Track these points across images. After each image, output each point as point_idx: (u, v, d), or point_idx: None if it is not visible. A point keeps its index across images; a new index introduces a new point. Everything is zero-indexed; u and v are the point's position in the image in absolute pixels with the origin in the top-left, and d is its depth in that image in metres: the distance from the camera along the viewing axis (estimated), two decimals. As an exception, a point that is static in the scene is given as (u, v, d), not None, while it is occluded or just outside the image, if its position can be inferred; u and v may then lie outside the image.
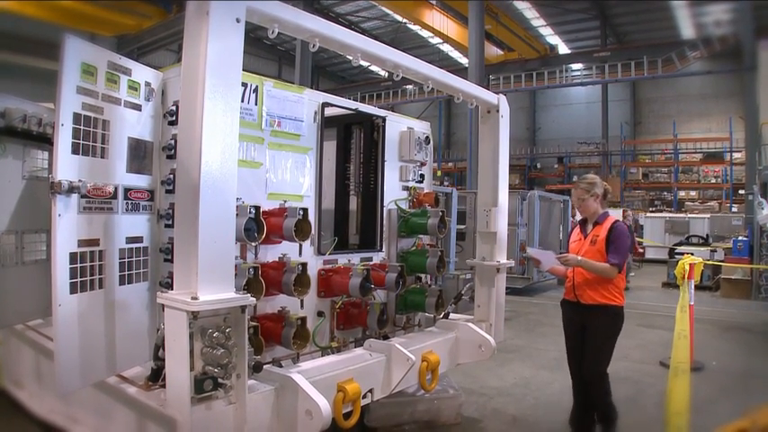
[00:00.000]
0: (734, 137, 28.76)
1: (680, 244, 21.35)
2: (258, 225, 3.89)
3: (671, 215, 26.50)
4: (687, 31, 27.54)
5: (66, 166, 3.31)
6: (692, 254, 9.06)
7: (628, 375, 7.68)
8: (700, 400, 6.09)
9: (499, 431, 5.74)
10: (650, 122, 35.54)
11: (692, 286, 7.89)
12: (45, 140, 4.39)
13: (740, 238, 15.72)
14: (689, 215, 25.61)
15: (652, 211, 29.07)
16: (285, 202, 4.36)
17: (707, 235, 22.22)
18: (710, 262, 14.70)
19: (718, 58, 25.21)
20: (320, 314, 4.82)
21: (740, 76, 23.25)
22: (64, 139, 3.29)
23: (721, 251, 17.05)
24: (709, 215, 24.03)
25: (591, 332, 5.26)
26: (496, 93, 5.81)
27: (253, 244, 4.02)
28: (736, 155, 29.34)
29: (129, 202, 3.81)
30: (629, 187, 34.45)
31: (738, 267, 14.76)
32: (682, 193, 32.45)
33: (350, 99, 5.52)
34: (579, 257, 5.18)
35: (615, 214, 19.99)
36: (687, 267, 7.78)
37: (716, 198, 30.93)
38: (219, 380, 3.27)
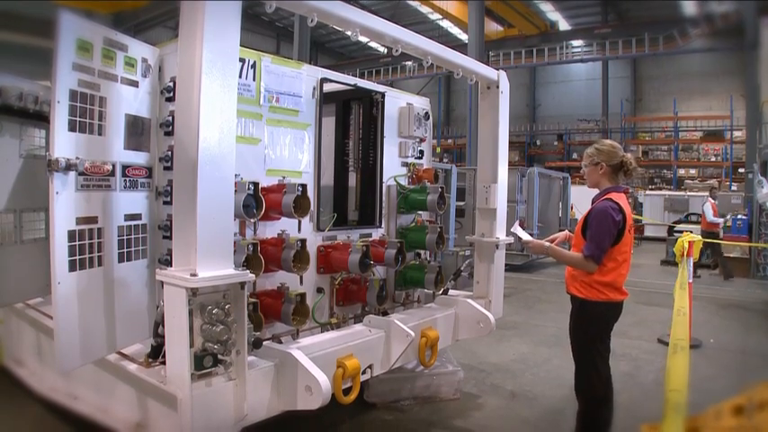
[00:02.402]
0: (734, 115, 28.70)
1: (679, 222, 21.39)
2: (257, 201, 3.88)
3: (670, 193, 26.48)
4: (689, 7, 27.32)
5: (64, 143, 3.28)
6: (692, 232, 9.04)
7: (626, 352, 7.72)
8: (697, 378, 6.09)
9: (498, 407, 5.77)
10: (651, 100, 35.41)
11: (691, 264, 7.90)
12: (42, 118, 4.37)
13: (739, 216, 15.71)
14: (688, 193, 25.60)
15: (651, 189, 29.03)
16: (284, 178, 4.35)
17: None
18: (710, 240, 14.72)
19: (720, 36, 25.03)
20: (319, 290, 4.84)
21: (742, 53, 23.10)
22: (60, 116, 3.26)
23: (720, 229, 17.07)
24: (708, 193, 24.01)
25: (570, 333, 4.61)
26: (496, 69, 5.78)
27: (252, 220, 4.01)
28: (736, 133, 29.30)
29: (128, 179, 3.79)
30: (628, 165, 34.43)
31: (737, 245, 14.77)
32: (681, 171, 32.43)
33: (349, 75, 5.48)
34: (547, 244, 4.61)
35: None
36: (686, 245, 7.78)
37: (716, 176, 30.89)
38: (219, 356, 3.28)
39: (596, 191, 4.57)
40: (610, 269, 4.30)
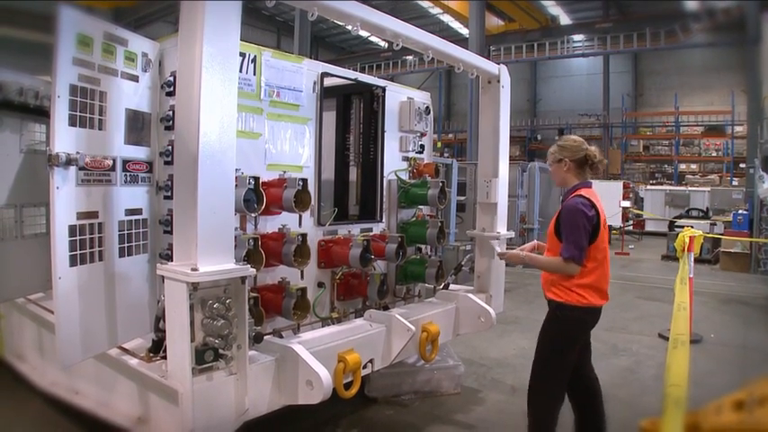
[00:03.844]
0: (735, 110, 28.61)
1: (680, 217, 21.37)
2: (257, 196, 3.88)
3: (671, 188, 26.43)
4: (690, 2, 27.24)
5: (64, 138, 3.28)
6: (692, 227, 9.03)
7: (626, 347, 7.73)
8: (697, 373, 6.12)
9: (498, 401, 5.77)
10: (652, 95, 35.32)
11: (692, 259, 7.90)
12: (42, 113, 4.37)
13: (740, 211, 15.70)
14: (689, 188, 25.56)
15: (652, 184, 28.99)
16: (284, 172, 4.35)
17: (707, 208, 22.22)
18: (710, 235, 14.71)
19: (722, 31, 24.95)
20: (320, 285, 4.84)
21: (743, 49, 23.04)
22: (61, 111, 3.26)
23: (721, 224, 17.06)
24: (709, 188, 23.97)
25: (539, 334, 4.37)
26: (497, 63, 5.77)
27: (252, 215, 4.02)
28: (737, 128, 29.20)
29: (128, 173, 3.79)
30: (629, 160, 34.37)
31: (738, 241, 14.76)
32: (682, 166, 32.37)
33: (349, 70, 5.47)
34: (524, 253, 4.50)
35: (615, 187, 19.92)
36: (687, 240, 7.78)
37: (716, 171, 30.84)
38: (220, 351, 3.29)
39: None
40: (590, 270, 4.06)
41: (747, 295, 11.90)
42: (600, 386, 4.47)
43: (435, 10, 31.49)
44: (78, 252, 3.38)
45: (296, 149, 4.64)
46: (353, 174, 5.67)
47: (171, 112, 3.88)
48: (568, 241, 4.00)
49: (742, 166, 24.38)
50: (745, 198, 17.27)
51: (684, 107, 31.77)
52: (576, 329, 4.21)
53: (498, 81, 5.69)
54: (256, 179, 3.87)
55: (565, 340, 4.19)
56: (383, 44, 35.10)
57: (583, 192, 4.15)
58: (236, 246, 3.48)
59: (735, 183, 26.21)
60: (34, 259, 4.42)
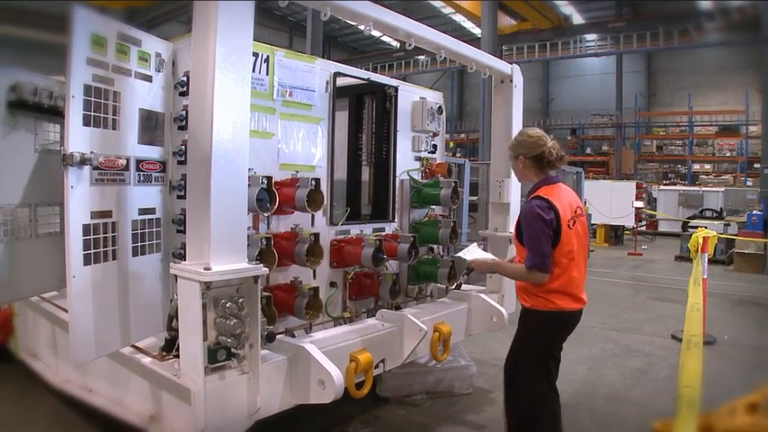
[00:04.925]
0: (750, 110, 28.39)
1: (693, 217, 21.23)
2: (270, 195, 3.89)
3: (685, 188, 26.25)
4: (704, 1, 27.05)
5: (78, 138, 3.29)
6: (706, 227, 8.97)
7: (639, 348, 7.69)
8: (711, 374, 6.09)
9: None
10: (665, 94, 35.12)
11: (706, 260, 7.84)
12: (56, 113, 4.39)
13: (754, 212, 15.57)
14: (703, 188, 25.39)
15: (666, 184, 28.81)
16: (297, 172, 4.36)
17: (721, 209, 22.07)
18: (724, 236, 14.60)
19: (736, 30, 24.77)
20: (333, 284, 4.84)
21: (758, 47, 22.84)
22: (75, 111, 3.27)
23: (735, 225, 16.93)
24: (723, 189, 23.81)
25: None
26: (509, 63, 5.75)
27: (265, 214, 4.02)
28: (751, 128, 28.97)
29: (142, 173, 3.81)
30: (642, 160, 34.21)
31: (752, 242, 14.64)
32: (696, 167, 32.17)
33: (362, 70, 5.47)
34: (491, 261, 4.30)
35: (628, 187, 19.82)
36: (700, 240, 7.73)
37: (730, 171, 30.63)
38: (233, 350, 3.30)
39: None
40: (556, 275, 3.83)
41: (761, 296, 11.80)
42: (559, 404, 4.23)
43: (448, 10, 31.44)
44: (92, 251, 3.40)
45: (308, 149, 4.64)
46: (366, 173, 5.66)
47: (184, 112, 3.89)
48: (529, 249, 3.81)
49: (756, 166, 24.13)
50: (759, 198, 17.12)
51: (698, 107, 31.59)
52: (546, 335, 4.07)
53: (511, 81, 5.68)
54: (269, 179, 3.88)
55: (540, 344, 4.08)
56: (395, 44, 35.10)
57: (542, 191, 3.92)
58: (248, 245, 3.49)
59: (749, 183, 26.03)
60: (48, 258, 4.44)
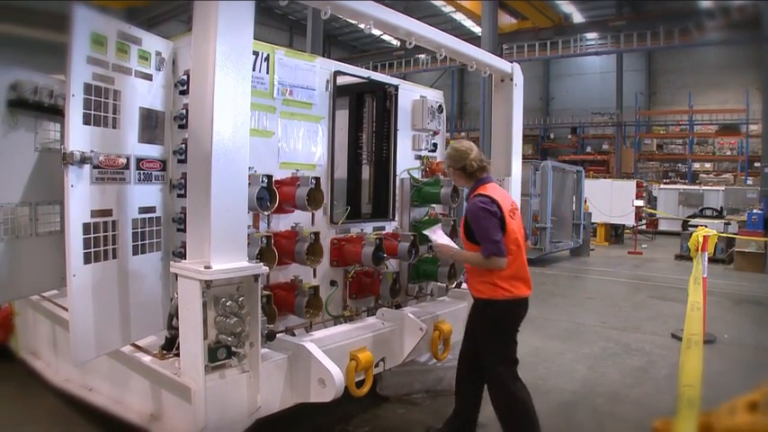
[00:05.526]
0: (750, 109, 28.35)
1: (694, 216, 21.23)
2: (270, 194, 3.89)
3: (685, 187, 26.24)
4: (705, 0, 27.03)
5: (78, 136, 3.30)
6: (706, 226, 8.97)
7: (639, 347, 7.68)
8: (711, 373, 6.09)
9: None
10: (665, 93, 35.08)
11: (706, 258, 7.84)
12: (57, 112, 4.39)
13: (755, 211, 15.56)
14: (703, 187, 25.38)
15: (666, 183, 28.80)
16: (297, 171, 4.37)
17: (721, 207, 22.06)
18: (724, 235, 14.59)
19: (736, 29, 24.72)
20: (333, 283, 4.84)
21: (758, 46, 22.83)
22: (75, 109, 3.28)
23: (735, 224, 16.92)
24: (723, 187, 23.79)
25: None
26: (510, 62, 5.75)
27: (265, 213, 4.02)
28: (752, 127, 28.93)
29: (142, 172, 3.81)
30: (642, 158, 34.19)
31: (752, 240, 14.64)
32: (696, 165, 32.13)
33: (362, 68, 5.47)
34: (453, 249, 4.44)
35: (628, 186, 19.81)
36: (701, 239, 7.73)
37: (731, 170, 30.60)
38: (233, 348, 3.30)
39: None
40: (509, 262, 4.16)
41: (762, 295, 11.79)
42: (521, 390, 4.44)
43: (448, 8, 31.42)
44: (92, 250, 3.41)
45: (309, 148, 4.64)
46: (366, 172, 5.66)
47: (184, 111, 3.90)
48: (482, 240, 4.10)
49: (757, 165, 24.15)
50: (759, 197, 17.12)
51: (698, 105, 31.55)
52: (507, 320, 4.32)
53: (511, 79, 5.68)
54: (269, 177, 3.88)
55: (501, 332, 4.32)
56: (396, 43, 35.06)
57: (481, 189, 4.29)
58: (249, 244, 3.50)
59: (749, 182, 25.98)
60: (49, 257, 4.44)
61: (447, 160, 4.47)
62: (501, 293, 4.17)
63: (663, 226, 24.21)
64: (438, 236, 4.55)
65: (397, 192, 5.49)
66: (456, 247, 4.52)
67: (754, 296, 11.71)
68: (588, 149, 36.74)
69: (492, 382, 4.38)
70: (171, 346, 3.72)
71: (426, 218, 5.68)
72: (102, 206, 3.50)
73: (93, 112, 3.38)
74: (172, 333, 3.73)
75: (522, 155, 5.92)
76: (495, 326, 4.31)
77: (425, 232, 4.65)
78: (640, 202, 20.43)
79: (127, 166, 3.68)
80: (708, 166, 32.29)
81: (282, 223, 4.39)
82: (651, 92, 35.58)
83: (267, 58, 4.24)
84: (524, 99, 5.89)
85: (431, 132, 5.83)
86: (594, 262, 16.54)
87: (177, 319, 3.42)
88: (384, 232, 5.20)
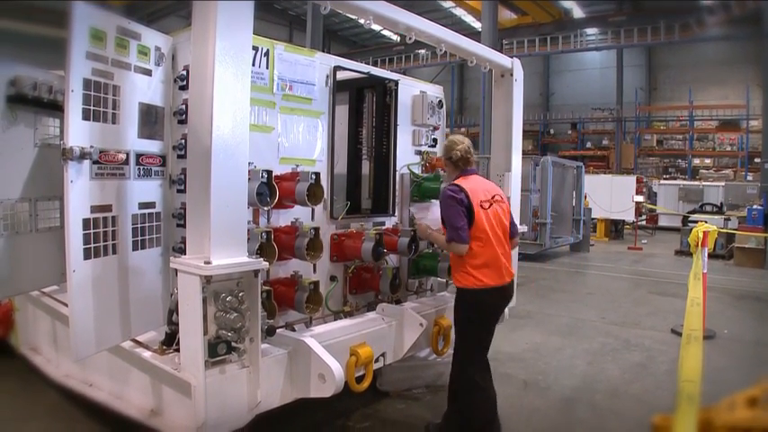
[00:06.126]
0: (750, 104, 28.34)
1: (694, 212, 21.24)
2: (270, 189, 3.89)
3: (685, 183, 26.23)
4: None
5: (78, 132, 3.29)
6: (706, 222, 8.96)
7: (639, 342, 7.69)
8: (711, 369, 6.09)
9: (510, 395, 5.76)
10: (666, 89, 35.05)
11: (706, 254, 7.84)
12: (56, 108, 4.38)
13: (755, 206, 15.56)
14: (703, 183, 25.37)
15: (666, 179, 28.79)
16: (297, 166, 4.36)
17: (721, 203, 22.06)
18: (724, 230, 14.59)
19: (737, 24, 24.68)
20: (333, 279, 4.84)
21: (759, 42, 22.79)
22: (74, 105, 3.27)
23: (735, 220, 16.92)
24: (723, 183, 23.79)
25: None
26: (510, 57, 5.74)
27: (265, 208, 4.02)
28: (752, 123, 28.92)
29: (141, 167, 3.81)
30: (642, 154, 34.18)
31: (752, 236, 14.64)
32: (696, 161, 32.12)
33: (362, 63, 5.47)
34: (430, 229, 4.76)
35: (628, 181, 19.79)
36: (701, 235, 7.73)
37: (731, 166, 30.59)
38: (233, 344, 3.30)
39: None
40: (477, 250, 4.30)
41: (761, 291, 11.80)
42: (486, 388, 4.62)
43: (448, 3, 31.35)
44: (92, 245, 3.40)
45: (309, 143, 4.64)
46: (366, 167, 5.66)
47: (184, 106, 3.89)
48: (447, 226, 4.35)
49: (757, 160, 24.17)
50: (759, 193, 17.13)
51: (698, 101, 31.54)
52: (478, 310, 4.43)
53: (511, 75, 5.68)
54: (269, 173, 3.88)
55: (471, 320, 4.44)
56: (395, 38, 35.02)
57: (459, 180, 4.49)
58: (248, 239, 3.50)
59: (749, 178, 26.03)
60: (48, 252, 4.44)
61: (442, 151, 4.80)
62: (471, 282, 4.32)
63: (663, 221, 24.23)
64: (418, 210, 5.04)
65: (396, 187, 5.49)
66: (432, 228, 4.80)
67: (753, 292, 11.71)
68: (588, 145, 36.73)
69: (455, 365, 4.54)
70: (171, 341, 3.72)
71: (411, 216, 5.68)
72: (101, 202, 3.49)
73: (92, 108, 3.37)
74: (172, 328, 3.73)
75: (522, 150, 5.92)
76: (465, 313, 4.46)
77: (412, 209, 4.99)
78: (640, 198, 20.45)
79: (126, 162, 3.67)
80: (708, 161, 32.28)
81: (282, 218, 4.39)
82: (651, 87, 35.55)
83: (267, 54, 4.24)
84: (524, 94, 5.88)
85: (431, 128, 5.82)
86: (594, 257, 16.55)
87: (177, 314, 3.42)
88: (384, 227, 5.20)
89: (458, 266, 4.39)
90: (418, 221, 4.89)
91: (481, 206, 4.34)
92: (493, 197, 4.49)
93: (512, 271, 4.56)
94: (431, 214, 5.27)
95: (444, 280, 5.61)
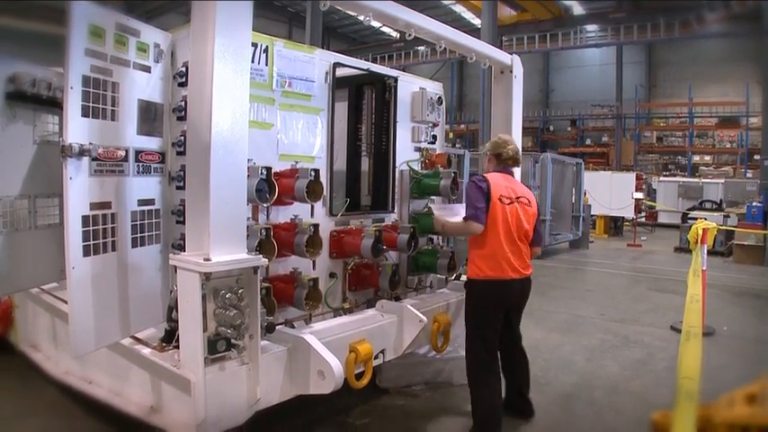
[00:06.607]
0: (750, 101, 28.30)
1: (693, 209, 21.24)
2: (270, 186, 3.89)
3: (684, 179, 26.20)
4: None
5: (77, 129, 3.28)
6: (706, 219, 8.96)
7: (638, 339, 7.70)
8: (710, 366, 6.10)
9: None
10: (665, 85, 34.99)
11: (705, 251, 7.85)
12: (55, 105, 4.38)
13: (754, 203, 15.56)
14: (703, 180, 25.36)
15: (665, 176, 28.78)
16: (297, 163, 4.36)
17: (720, 200, 22.06)
18: (724, 227, 14.60)
19: (737, 21, 24.64)
20: (332, 275, 4.84)
21: (758, 39, 22.76)
22: (73, 102, 3.26)
23: (735, 217, 16.92)
24: (723, 180, 23.78)
25: None
26: (510, 54, 5.74)
27: (264, 205, 4.02)
28: (752, 119, 28.89)
29: (141, 164, 3.80)
30: (642, 151, 34.15)
31: (752, 233, 14.64)
32: (696, 158, 32.06)
33: (361, 60, 5.46)
34: (443, 220, 5.06)
35: (628, 178, 19.75)
36: (700, 232, 7.73)
37: (730, 163, 30.56)
38: (232, 341, 3.31)
39: None
40: (487, 241, 4.55)
41: (761, 288, 11.81)
42: (524, 363, 5.20)
43: (447, 0, 31.33)
44: (92, 242, 3.40)
45: (308, 140, 4.63)
46: (365, 164, 5.66)
47: (183, 103, 3.88)
48: (466, 206, 4.61)
49: (756, 157, 24.13)
50: (759, 190, 17.13)
51: (698, 98, 31.48)
52: (482, 300, 4.68)
53: (511, 71, 5.67)
54: (268, 169, 3.88)
55: (474, 311, 4.74)
56: (395, 35, 34.96)
57: (486, 175, 4.76)
58: (248, 236, 3.50)
59: (749, 175, 25.99)
60: (48, 249, 4.43)
61: (487, 146, 5.00)
62: (474, 272, 4.63)
63: (662, 218, 24.22)
64: (439, 209, 5.28)
65: (396, 184, 5.49)
66: (444, 218, 5.07)
67: (753, 289, 11.73)
68: (588, 142, 36.69)
69: (467, 352, 4.79)
70: (170, 338, 3.72)
71: (426, 209, 5.67)
72: (101, 198, 3.49)
73: (91, 105, 3.36)
74: (171, 325, 3.73)
75: (522, 147, 5.91)
76: (471, 303, 4.75)
77: (431, 206, 5.36)
78: (640, 195, 20.42)
79: (126, 159, 3.66)
80: (707, 158, 32.22)
81: (282, 215, 4.38)
82: (651, 84, 35.50)
83: (266, 50, 4.23)
84: (524, 91, 5.89)
85: (430, 124, 5.81)
86: (594, 254, 16.55)
87: (177, 311, 3.42)
88: (383, 224, 5.20)
89: (469, 256, 4.67)
90: (434, 217, 5.13)
91: (500, 200, 4.57)
92: (518, 197, 4.71)
93: (521, 270, 4.69)
94: (452, 213, 5.27)
95: (444, 277, 5.60)
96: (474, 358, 4.72)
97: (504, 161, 4.87)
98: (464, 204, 4.74)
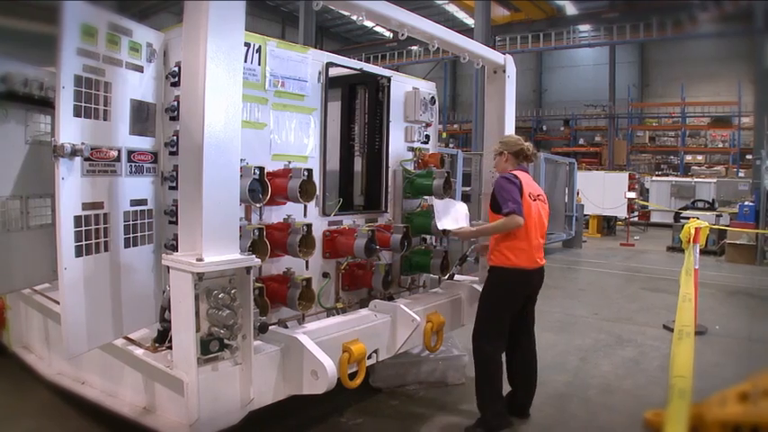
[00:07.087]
0: (742, 101, 28.40)
1: (686, 208, 21.30)
2: (263, 186, 3.88)
3: (677, 179, 26.30)
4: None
5: (69, 128, 3.27)
6: (698, 218, 8.99)
7: (631, 338, 7.72)
8: (702, 364, 6.12)
9: (504, 391, 5.77)
10: (658, 85, 35.09)
11: (698, 250, 7.87)
12: (47, 104, 4.36)
13: (746, 203, 15.63)
14: (695, 179, 25.45)
15: (658, 175, 28.86)
16: (290, 162, 4.34)
17: (713, 199, 22.14)
18: (716, 226, 14.66)
19: (729, 21, 24.75)
20: (325, 275, 4.84)
21: (751, 39, 22.88)
22: (65, 101, 3.25)
23: (727, 216, 16.98)
24: (715, 180, 23.86)
25: None
26: (503, 54, 5.75)
27: (257, 205, 4.02)
28: (744, 119, 29.01)
29: (133, 164, 3.79)
30: (635, 150, 34.22)
31: (744, 232, 14.70)
32: (688, 157, 32.16)
33: (354, 60, 5.46)
34: (475, 228, 5.06)
35: (621, 178, 19.79)
36: (693, 231, 7.76)
37: (723, 163, 30.67)
38: (225, 341, 3.30)
39: None
40: (523, 232, 4.64)
41: (753, 287, 11.86)
42: (531, 378, 5.15)
43: (441, 0, 31.34)
44: (84, 243, 3.39)
45: (301, 139, 4.63)
46: (358, 164, 5.66)
47: (176, 103, 3.87)
48: (503, 201, 4.56)
49: (748, 157, 24.23)
50: (751, 189, 17.20)
51: (691, 98, 31.59)
52: (505, 288, 4.75)
53: (504, 71, 5.68)
54: (261, 169, 3.87)
55: (499, 297, 4.77)
56: (388, 34, 34.95)
57: (512, 171, 4.83)
58: (240, 236, 3.50)
59: (741, 174, 26.05)
60: (40, 250, 4.42)
61: (502, 146, 4.97)
62: (502, 260, 4.68)
63: (655, 218, 24.29)
64: (453, 222, 5.20)
65: (389, 183, 5.49)
66: (471, 227, 5.10)
67: (745, 288, 11.77)
68: (581, 141, 36.77)
69: (480, 338, 4.80)
70: (163, 338, 3.72)
71: (419, 209, 5.67)
72: (93, 199, 3.48)
73: (83, 104, 3.35)
74: (164, 326, 3.72)
75: (515, 147, 5.91)
76: (498, 289, 4.77)
77: (441, 226, 5.14)
78: (632, 194, 20.48)
79: (118, 159, 3.65)
80: (700, 158, 32.33)
81: (274, 215, 4.38)
82: (644, 84, 35.60)
83: (259, 50, 4.22)
84: (517, 91, 5.89)
85: (423, 124, 5.82)
86: (587, 254, 16.59)
87: (169, 311, 3.41)
88: (376, 224, 5.20)
89: (495, 247, 4.74)
90: (457, 234, 5.15)
91: (529, 195, 4.70)
92: (538, 195, 4.86)
93: (541, 261, 4.85)
94: (454, 209, 5.41)
95: (437, 276, 5.61)
96: (481, 338, 4.78)
97: (525, 158, 4.97)
98: (502, 197, 4.61)
